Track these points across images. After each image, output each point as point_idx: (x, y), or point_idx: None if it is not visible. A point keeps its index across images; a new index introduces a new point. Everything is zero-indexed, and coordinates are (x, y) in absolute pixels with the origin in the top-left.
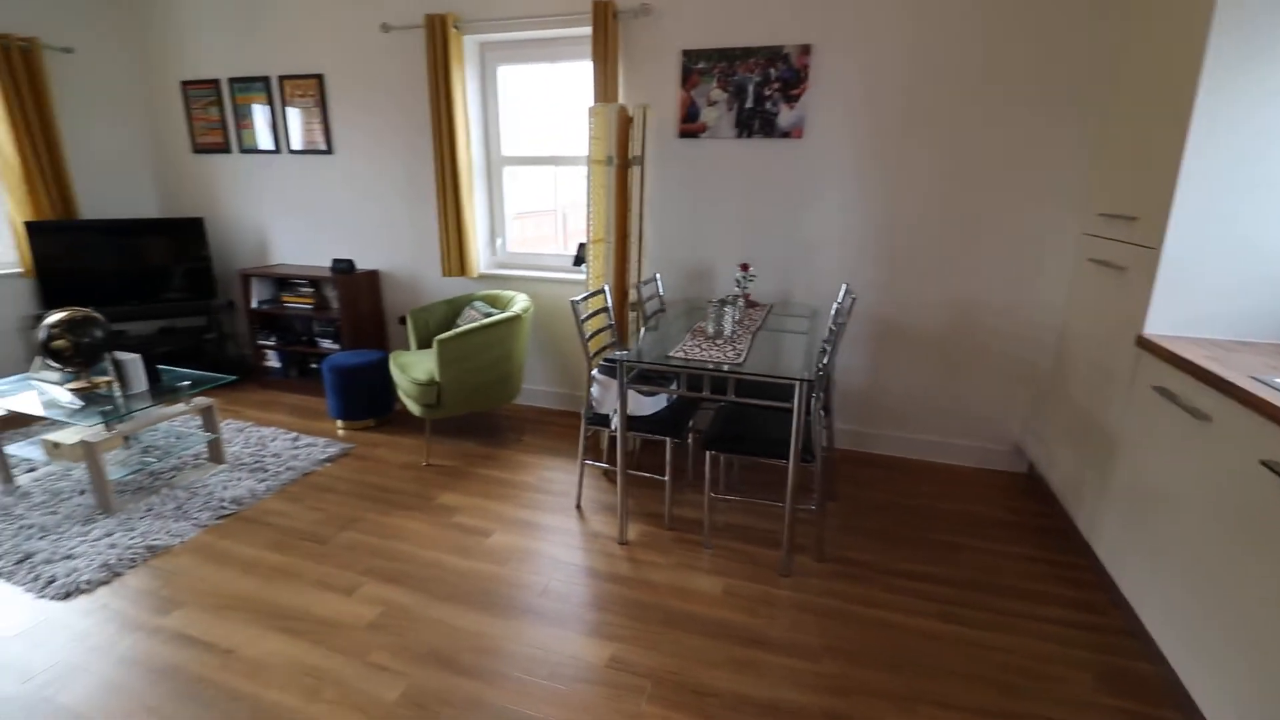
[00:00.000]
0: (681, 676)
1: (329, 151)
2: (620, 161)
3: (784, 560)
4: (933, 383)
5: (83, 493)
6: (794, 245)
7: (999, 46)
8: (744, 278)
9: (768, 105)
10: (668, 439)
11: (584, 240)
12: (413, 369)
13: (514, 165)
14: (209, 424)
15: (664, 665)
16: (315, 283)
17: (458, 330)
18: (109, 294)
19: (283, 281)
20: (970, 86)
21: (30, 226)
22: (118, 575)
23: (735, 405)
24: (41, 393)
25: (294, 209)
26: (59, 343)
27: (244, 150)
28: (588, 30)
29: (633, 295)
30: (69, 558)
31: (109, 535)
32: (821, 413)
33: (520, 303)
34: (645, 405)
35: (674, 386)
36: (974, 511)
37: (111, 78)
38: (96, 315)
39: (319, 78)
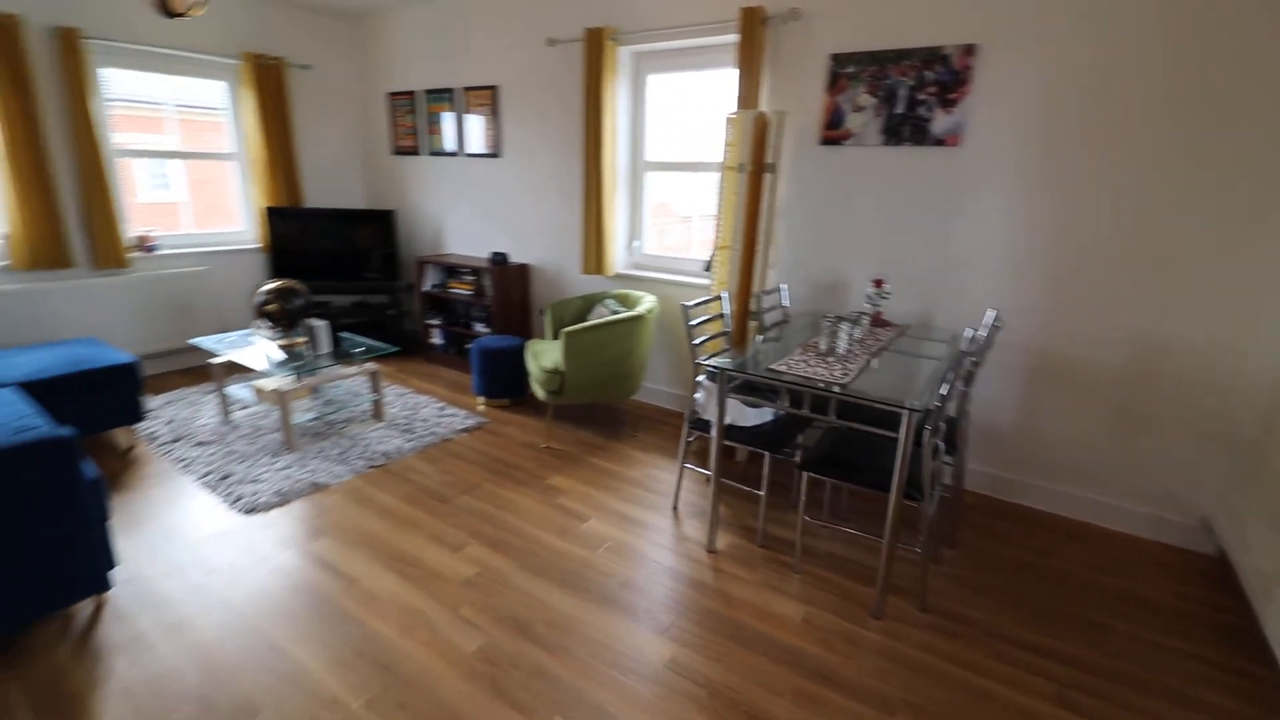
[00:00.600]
0: (739, 695)
1: (497, 155)
2: (753, 168)
3: (877, 601)
4: (1100, 431)
5: (275, 431)
6: (939, 262)
7: (1207, 42)
8: (877, 294)
9: (920, 110)
10: (766, 453)
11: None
12: (543, 357)
13: (656, 171)
14: (374, 386)
15: (724, 679)
16: (476, 272)
17: (584, 324)
18: (320, 270)
19: (451, 269)
20: (1170, 90)
21: (269, 211)
22: (287, 502)
23: (846, 428)
24: (255, 347)
25: (465, 205)
26: (270, 307)
27: (431, 153)
28: (735, 38)
29: (754, 304)
30: (255, 481)
31: (287, 468)
32: (941, 447)
33: (647, 303)
34: (749, 416)
35: (782, 401)
36: (1132, 589)
37: (336, 90)
38: (299, 286)
39: (494, 89)
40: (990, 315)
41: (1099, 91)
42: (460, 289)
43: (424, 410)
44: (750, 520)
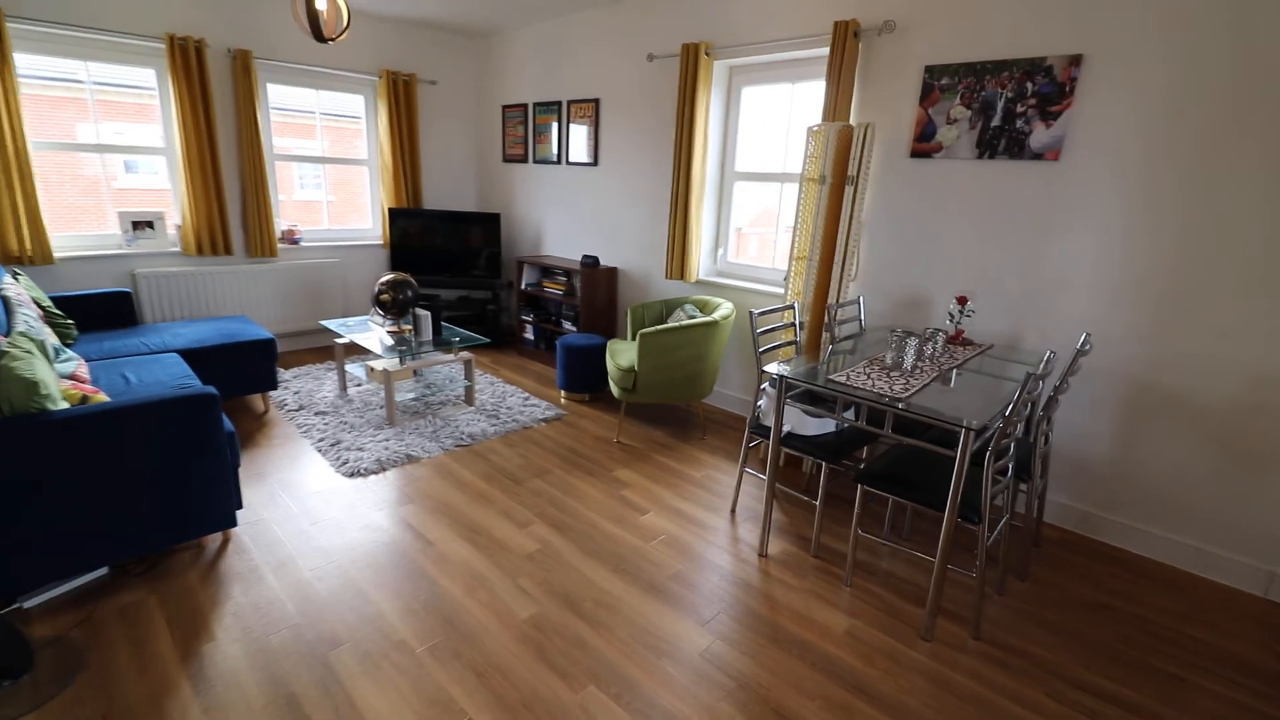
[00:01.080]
0: (769, 693)
1: (595, 164)
2: (835, 180)
3: (927, 622)
4: (1204, 471)
5: (381, 407)
6: (1029, 281)
7: None
8: (960, 312)
9: (1018, 123)
10: (824, 463)
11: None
12: (620, 356)
13: (745, 181)
14: (467, 373)
15: (755, 676)
16: (568, 273)
17: (659, 327)
18: (433, 265)
19: (546, 269)
20: None
21: (392, 211)
22: (383, 470)
23: (912, 446)
24: (371, 331)
25: (563, 210)
26: (384, 297)
27: (536, 161)
28: (825, 51)
29: (828, 316)
30: (359, 450)
31: (387, 440)
32: (1009, 472)
33: (723, 310)
34: (809, 425)
35: (847, 413)
36: (1225, 646)
37: (457, 102)
38: (410, 279)
39: (596, 101)
40: (1082, 338)
41: (1215, 107)
42: (553, 288)
43: (510, 399)
44: (807, 530)
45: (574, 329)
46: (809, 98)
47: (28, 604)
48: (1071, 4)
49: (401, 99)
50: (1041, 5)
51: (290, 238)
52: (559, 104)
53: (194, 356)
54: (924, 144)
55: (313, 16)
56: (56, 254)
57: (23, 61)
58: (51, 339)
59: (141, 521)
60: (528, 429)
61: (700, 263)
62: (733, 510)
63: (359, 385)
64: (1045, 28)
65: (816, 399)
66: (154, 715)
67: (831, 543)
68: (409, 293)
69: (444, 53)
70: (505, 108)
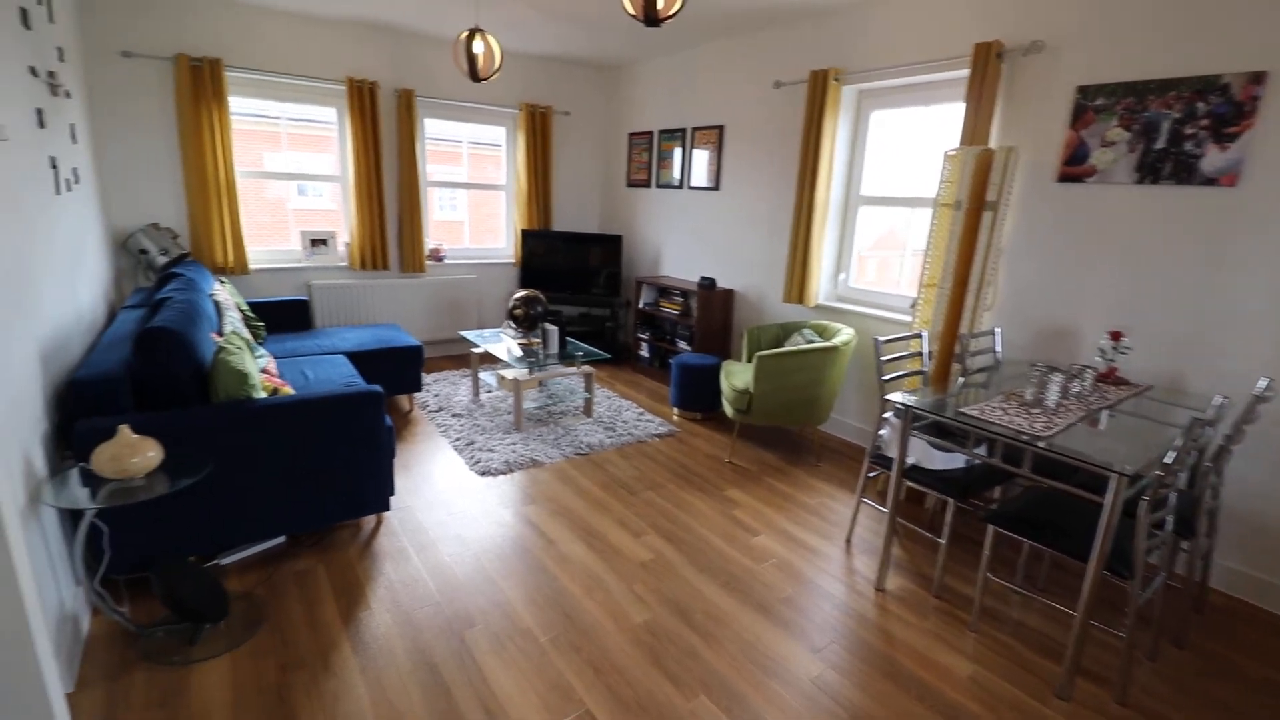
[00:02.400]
0: None
1: (716, 188)
2: (971, 205)
3: (1064, 680)
4: None
5: (509, 413)
6: (1197, 317)
7: None
8: (1113, 348)
9: (1187, 146)
10: (951, 500)
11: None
12: (735, 377)
13: (870, 205)
14: (588, 386)
15: (867, 709)
16: (685, 294)
17: (777, 350)
18: (558, 283)
19: (663, 290)
20: None
21: (524, 233)
22: (511, 471)
23: (1051, 488)
24: (503, 342)
25: (682, 233)
26: (517, 311)
27: (659, 185)
28: (964, 73)
29: (960, 346)
30: (490, 451)
31: (514, 445)
32: (1168, 526)
33: (844, 335)
34: (936, 459)
35: (978, 448)
36: None
37: (587, 131)
38: (540, 295)
39: (720, 128)
40: (1262, 384)
41: None
42: (669, 308)
43: (626, 413)
44: (928, 568)
45: (689, 348)
46: (943, 121)
47: (224, 561)
48: (1252, 16)
49: (538, 129)
50: (1215, 20)
51: (436, 255)
52: (683, 131)
53: (356, 358)
54: (1074, 168)
55: (471, 59)
56: (251, 266)
57: (233, 103)
58: (247, 336)
59: (314, 500)
60: (642, 443)
61: (820, 287)
62: (848, 540)
63: (490, 392)
64: (1220, 44)
65: (945, 432)
66: (321, 667)
67: (955, 584)
68: (539, 308)
69: (577, 85)
70: (631, 135)
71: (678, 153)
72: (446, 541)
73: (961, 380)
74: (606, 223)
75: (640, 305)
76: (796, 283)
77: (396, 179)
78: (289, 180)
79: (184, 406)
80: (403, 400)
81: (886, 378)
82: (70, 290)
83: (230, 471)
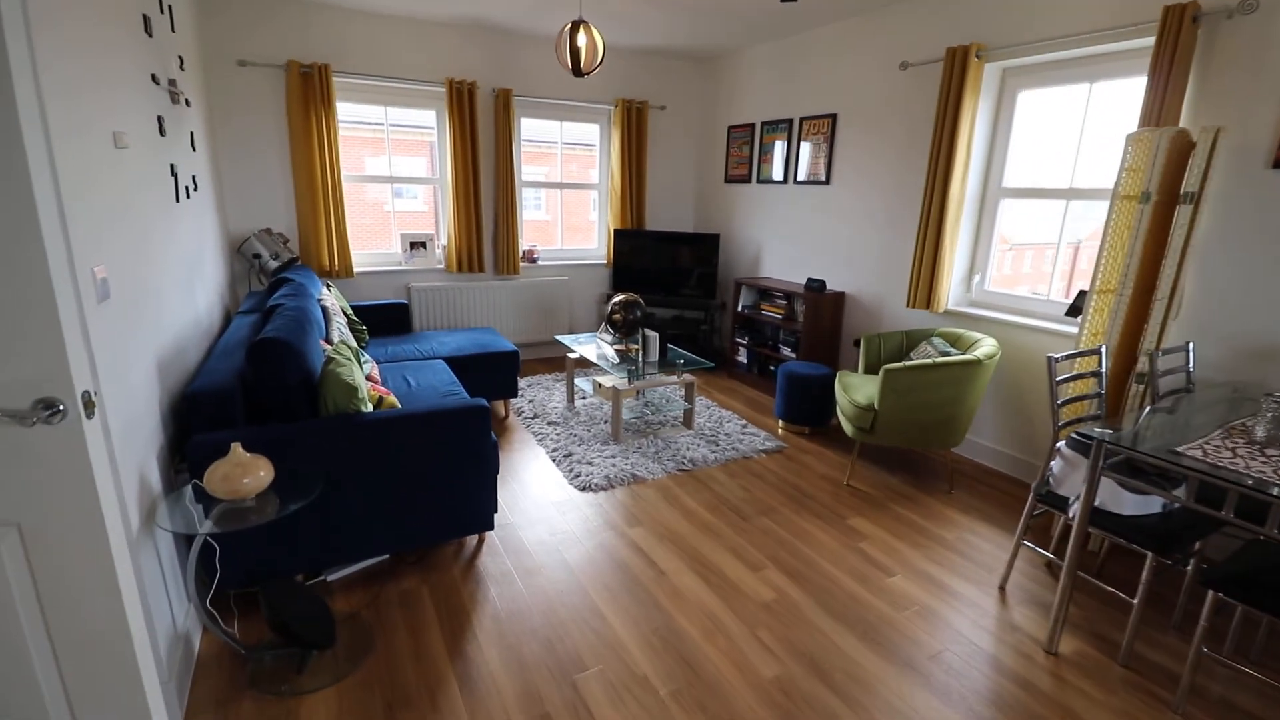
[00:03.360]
0: None
1: (826, 182)
2: (1162, 198)
3: None
4: None
5: (605, 422)
6: None
7: None
8: None
9: None
10: (1150, 554)
11: (1084, 288)
12: (855, 391)
13: (1013, 198)
14: (688, 396)
15: None
16: (789, 296)
17: (908, 363)
18: (650, 285)
19: (764, 292)
20: None
21: (617, 232)
22: (612, 487)
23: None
24: (599, 347)
25: (786, 231)
26: (616, 315)
27: (759, 181)
28: (1146, 42)
29: (1142, 364)
30: (589, 464)
31: (613, 458)
32: None
33: (985, 347)
34: (1126, 502)
35: (1177, 491)
36: None
37: (683, 126)
38: (639, 300)
39: (832, 117)
40: None
41: None
42: (771, 312)
43: (727, 425)
44: (1107, 628)
45: (793, 355)
46: (1113, 99)
47: (330, 578)
48: None
49: (633, 125)
50: None
51: (530, 256)
52: (789, 122)
53: (455, 364)
54: None
55: (574, 53)
56: (355, 269)
57: (339, 109)
58: (353, 344)
59: (420, 517)
60: (748, 459)
61: (950, 290)
62: (1001, 587)
63: (584, 398)
64: None
65: (1136, 470)
66: (429, 707)
67: (1147, 651)
68: (638, 313)
69: (673, 79)
70: (731, 128)
71: (780, 145)
72: (551, 568)
73: (1149, 408)
74: (701, 221)
75: (739, 308)
76: (923, 285)
77: (493, 180)
78: (388, 184)
79: (294, 418)
80: (498, 405)
81: (1061, 401)
82: (189, 297)
83: (338, 486)
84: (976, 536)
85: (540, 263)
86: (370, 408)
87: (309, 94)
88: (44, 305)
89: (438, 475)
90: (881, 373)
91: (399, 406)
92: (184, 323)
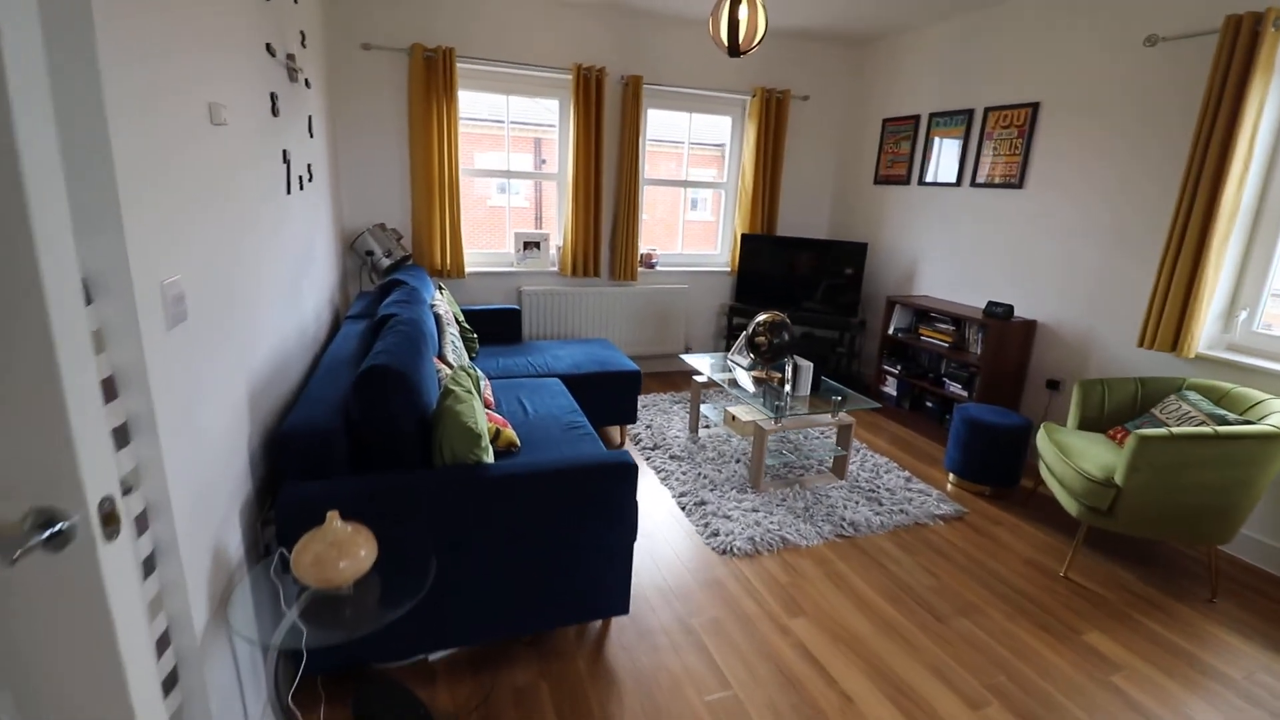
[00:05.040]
0: None
1: (1019, 186)
2: None
3: None
4: None
5: (738, 461)
6: None
7: None
8: None
9: None
10: None
11: None
12: (1079, 455)
13: None
14: (842, 440)
15: None
16: (958, 321)
17: (1178, 431)
18: (777, 297)
19: (923, 313)
20: None
21: (744, 238)
22: (758, 553)
23: None
24: (732, 371)
25: (955, 243)
26: (760, 339)
27: (923, 182)
28: None
29: None
30: (726, 518)
31: (755, 511)
32: None
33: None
34: None
35: None
36: None
37: (827, 119)
38: (787, 320)
39: (1033, 106)
40: None
41: None
42: (934, 338)
43: (887, 475)
44: None
45: (962, 392)
46: None
47: (431, 657)
48: None
49: (772, 117)
50: None
51: (648, 261)
52: (968, 113)
53: (571, 382)
54: None
55: (733, 27)
56: (466, 269)
57: (460, 98)
58: (469, 364)
59: (541, 592)
60: (921, 526)
61: (1205, 330)
62: None
63: (708, 427)
64: None
65: None
66: None
67: None
68: (786, 336)
69: (819, 65)
70: (887, 121)
71: (951, 142)
72: (699, 671)
73: None
74: (838, 227)
75: (890, 330)
76: (1169, 321)
77: (616, 177)
78: (505, 178)
79: (401, 462)
80: (614, 432)
81: None
82: (294, 301)
83: (450, 555)
84: (1272, 675)
85: (658, 268)
86: (491, 458)
87: (431, 79)
88: (34, 354)
89: (569, 545)
90: (1133, 440)
91: (517, 443)
92: (287, 333)
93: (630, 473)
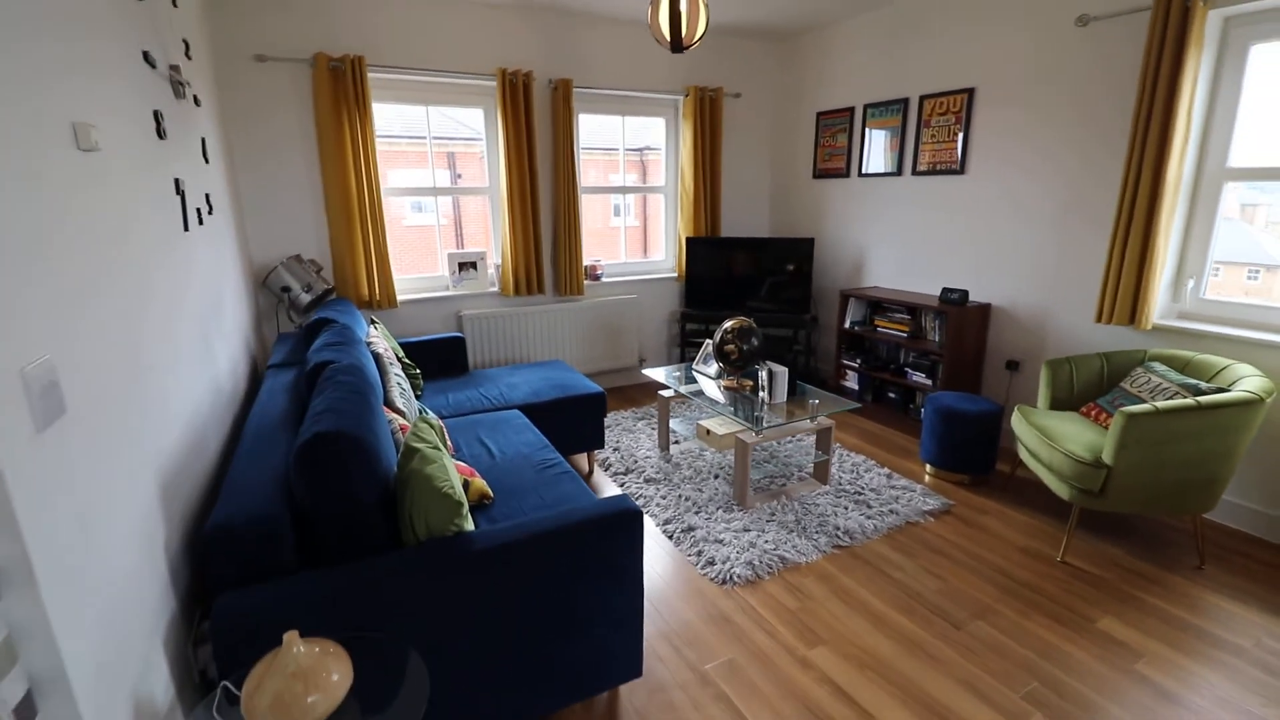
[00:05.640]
0: None
1: (960, 172)
2: None
3: None
4: None
5: (716, 477)
6: None
7: None
8: None
9: None
10: None
11: None
12: (1063, 437)
13: (1241, 180)
14: (822, 444)
15: None
16: (913, 310)
17: (1163, 405)
18: (726, 300)
19: (876, 305)
20: None
21: (689, 241)
22: (759, 579)
23: None
24: (699, 383)
25: (902, 232)
26: (729, 347)
27: (863, 174)
28: None
29: None
30: (718, 542)
31: (746, 531)
32: None
33: (1252, 379)
34: None
35: None
36: None
37: (759, 116)
38: (754, 326)
39: (968, 92)
40: None
41: None
42: (890, 329)
43: (867, 474)
44: None
45: (929, 382)
46: None
47: None
48: None
49: (706, 116)
50: None
51: (593, 273)
52: (903, 103)
53: (533, 412)
54: None
55: (675, 17)
56: (398, 297)
57: (374, 114)
58: (413, 401)
59: (540, 673)
60: (913, 525)
61: (1158, 301)
62: None
63: (678, 442)
64: None
65: None
66: None
67: None
68: (755, 341)
69: (749, 61)
70: (821, 115)
71: (881, 134)
72: None
73: None
74: (780, 225)
75: (846, 324)
76: (1125, 296)
77: (552, 188)
78: (431, 195)
79: (367, 548)
80: (581, 460)
81: None
82: (205, 357)
83: (430, 643)
84: (1277, 640)
85: (604, 279)
86: (471, 525)
87: (340, 92)
88: None
89: (570, 614)
90: (1120, 418)
91: (490, 494)
92: (200, 398)
93: (635, 521)
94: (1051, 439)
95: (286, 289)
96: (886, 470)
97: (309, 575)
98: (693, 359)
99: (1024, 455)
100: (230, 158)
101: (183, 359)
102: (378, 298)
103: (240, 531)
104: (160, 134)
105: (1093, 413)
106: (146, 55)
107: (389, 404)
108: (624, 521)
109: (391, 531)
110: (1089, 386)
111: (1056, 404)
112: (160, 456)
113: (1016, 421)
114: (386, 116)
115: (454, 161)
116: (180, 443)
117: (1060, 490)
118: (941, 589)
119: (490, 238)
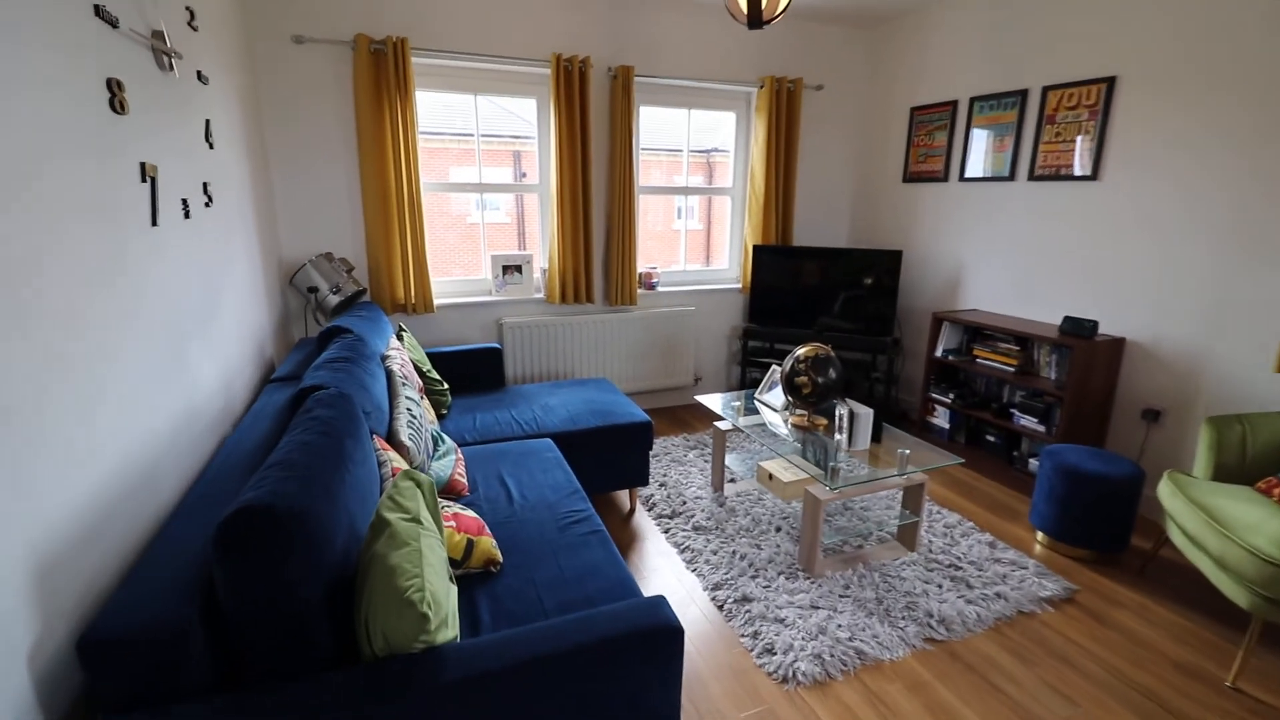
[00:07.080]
0: None
1: (1091, 178)
2: None
3: None
4: None
5: (778, 530)
6: None
7: None
8: None
9: None
10: None
11: None
12: (1241, 525)
13: None
14: (911, 502)
15: None
16: (1023, 340)
17: None
18: (797, 317)
19: (977, 331)
20: None
21: (756, 250)
22: (830, 679)
23: None
24: (761, 414)
25: (1011, 248)
26: (801, 379)
27: (965, 178)
28: None
29: None
30: (778, 623)
31: (815, 609)
32: None
33: None
34: None
35: None
36: None
37: (844, 111)
38: (833, 355)
39: (1107, 82)
40: None
41: None
42: (993, 360)
43: (964, 539)
44: None
45: (1042, 429)
46: None
47: None
48: None
49: (783, 111)
50: None
51: (647, 281)
52: (1020, 95)
53: (568, 441)
54: None
55: None
56: (435, 301)
57: (417, 104)
58: (430, 423)
59: None
60: (1026, 616)
61: None
62: None
63: (733, 481)
64: None
65: None
66: None
67: None
68: (832, 374)
69: (831, 50)
70: (915, 110)
71: (993, 131)
72: None
73: None
74: (860, 234)
75: (938, 352)
76: None
77: (606, 187)
78: (477, 192)
79: (306, 662)
80: (622, 497)
81: None
82: (169, 379)
83: None
84: None
85: (661, 289)
86: (453, 632)
87: (382, 77)
88: None
89: None
90: None
91: (499, 559)
92: (153, 427)
93: (673, 642)
94: (1224, 525)
95: (313, 289)
96: (989, 536)
97: (222, 703)
98: (754, 381)
99: (1177, 538)
100: (261, 145)
101: (124, 379)
102: (413, 301)
103: (132, 639)
104: (117, 107)
105: (1276, 491)
106: (100, 10)
107: (391, 437)
108: (658, 642)
109: (347, 638)
110: (1268, 454)
111: (1221, 473)
112: (40, 526)
113: (1168, 494)
114: (433, 108)
115: (519, 160)
116: (91, 498)
117: (1236, 596)
118: (1073, 718)
119: (539, 239)
